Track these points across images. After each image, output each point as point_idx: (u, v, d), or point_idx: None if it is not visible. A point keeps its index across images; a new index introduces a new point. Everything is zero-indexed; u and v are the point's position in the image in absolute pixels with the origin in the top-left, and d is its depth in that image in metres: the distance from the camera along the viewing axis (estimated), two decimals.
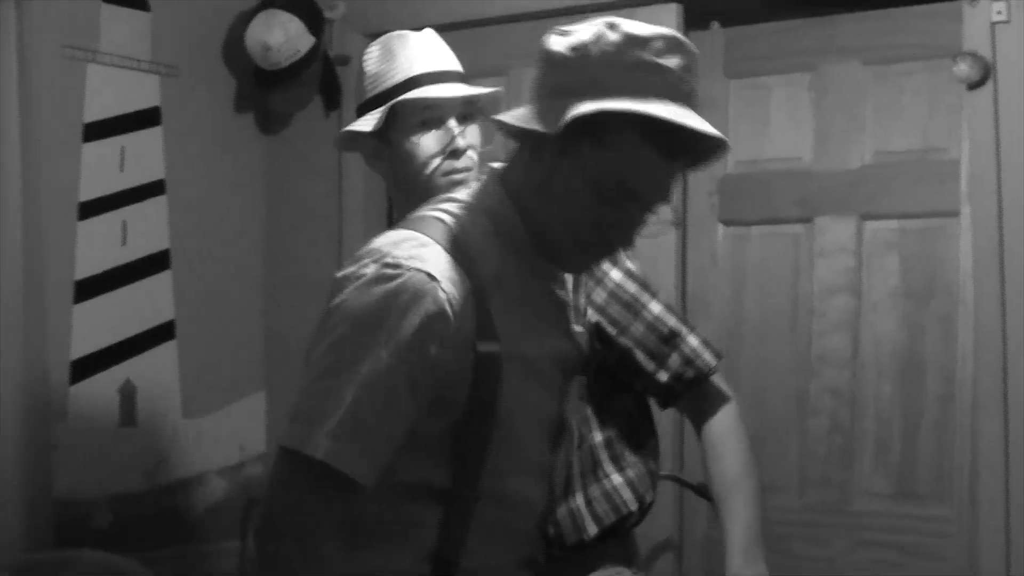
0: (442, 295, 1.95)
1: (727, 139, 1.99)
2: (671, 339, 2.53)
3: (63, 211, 4.09)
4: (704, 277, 4.07)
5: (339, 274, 2.03)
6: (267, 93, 4.51)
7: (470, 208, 2.09)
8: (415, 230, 2.04)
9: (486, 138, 2.61)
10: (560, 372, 2.17)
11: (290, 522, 1.94)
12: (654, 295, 2.54)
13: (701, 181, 4.06)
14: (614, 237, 2.07)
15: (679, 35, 1.99)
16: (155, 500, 4.30)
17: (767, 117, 4.02)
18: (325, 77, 4.49)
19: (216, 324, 4.53)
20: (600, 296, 2.49)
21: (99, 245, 4.17)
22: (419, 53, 2.62)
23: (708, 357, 2.55)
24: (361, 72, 2.66)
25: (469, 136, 2.58)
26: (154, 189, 4.34)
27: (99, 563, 3.61)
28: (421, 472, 2.03)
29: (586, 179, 1.99)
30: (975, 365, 3.54)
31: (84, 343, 4.11)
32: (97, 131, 4.19)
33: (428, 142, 2.55)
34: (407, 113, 2.55)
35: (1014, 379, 3.44)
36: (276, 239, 4.67)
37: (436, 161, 2.54)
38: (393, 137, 2.56)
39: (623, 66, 1.96)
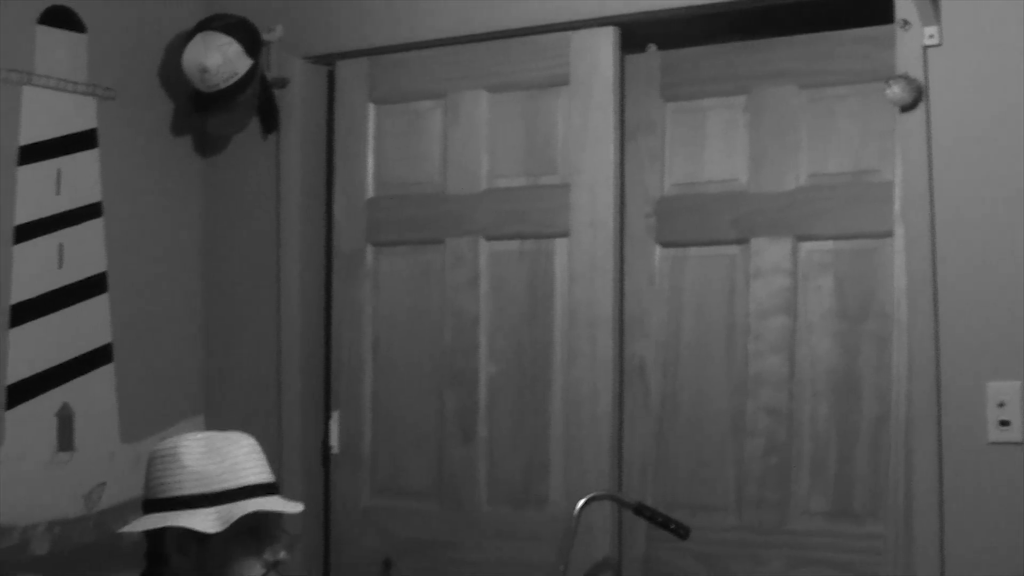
0: None
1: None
2: None
3: None
4: (641, 298, 4.08)
5: None
6: (204, 115, 4.50)
7: None
8: None
9: None
10: None
11: None
12: None
13: (638, 203, 4.08)
14: None
15: None
16: (94, 525, 4.28)
17: (703, 139, 4.05)
18: (262, 100, 4.48)
19: (154, 347, 4.51)
20: None
21: (35, 268, 4.15)
22: (252, 461, 2.62)
23: None
24: (175, 464, 2.58)
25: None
26: (91, 212, 4.32)
27: None
28: None
29: None
30: (909, 384, 3.58)
31: (20, 367, 4.08)
32: (33, 154, 4.16)
33: (253, 552, 2.58)
34: (242, 519, 2.56)
35: (947, 398, 3.48)
36: (213, 262, 4.66)
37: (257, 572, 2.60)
38: (215, 536, 2.54)
39: None
